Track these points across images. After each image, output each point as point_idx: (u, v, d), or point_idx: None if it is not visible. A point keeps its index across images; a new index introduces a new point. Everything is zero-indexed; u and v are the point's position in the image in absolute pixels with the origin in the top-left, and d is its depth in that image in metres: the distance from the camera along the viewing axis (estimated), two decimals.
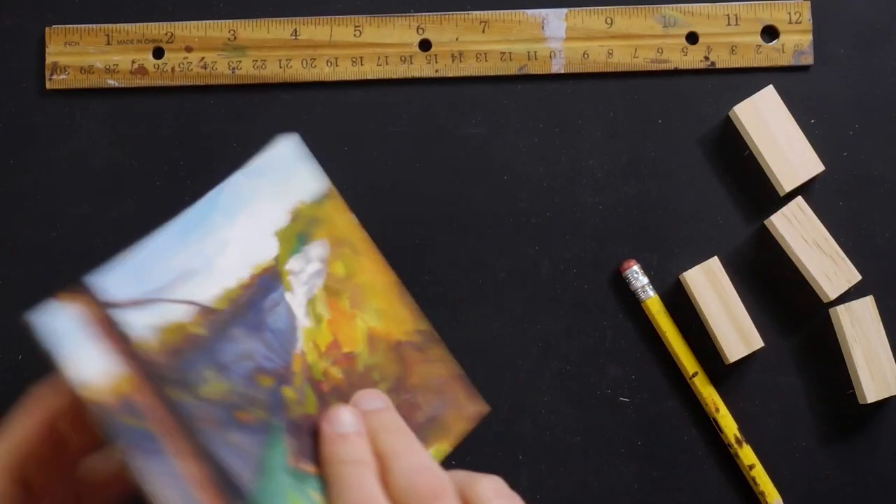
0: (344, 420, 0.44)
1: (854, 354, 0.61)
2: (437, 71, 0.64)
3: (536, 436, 0.63)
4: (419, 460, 0.43)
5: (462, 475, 0.44)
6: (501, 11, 0.64)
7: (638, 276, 0.62)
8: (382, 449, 0.44)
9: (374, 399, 0.46)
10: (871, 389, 0.61)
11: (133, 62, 0.64)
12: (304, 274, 0.47)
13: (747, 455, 0.62)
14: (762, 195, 0.64)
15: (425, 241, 0.63)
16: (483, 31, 0.64)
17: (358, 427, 0.44)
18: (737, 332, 0.61)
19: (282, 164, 0.48)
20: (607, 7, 0.64)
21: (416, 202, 0.64)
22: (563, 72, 0.64)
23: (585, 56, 0.64)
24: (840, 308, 0.61)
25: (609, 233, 0.63)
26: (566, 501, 0.63)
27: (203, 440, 0.42)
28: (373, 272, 0.49)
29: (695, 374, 0.62)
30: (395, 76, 0.64)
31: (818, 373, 0.63)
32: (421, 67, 0.64)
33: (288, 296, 0.46)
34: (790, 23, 0.64)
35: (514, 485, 0.62)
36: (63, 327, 0.43)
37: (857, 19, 0.64)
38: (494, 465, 0.63)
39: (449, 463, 0.47)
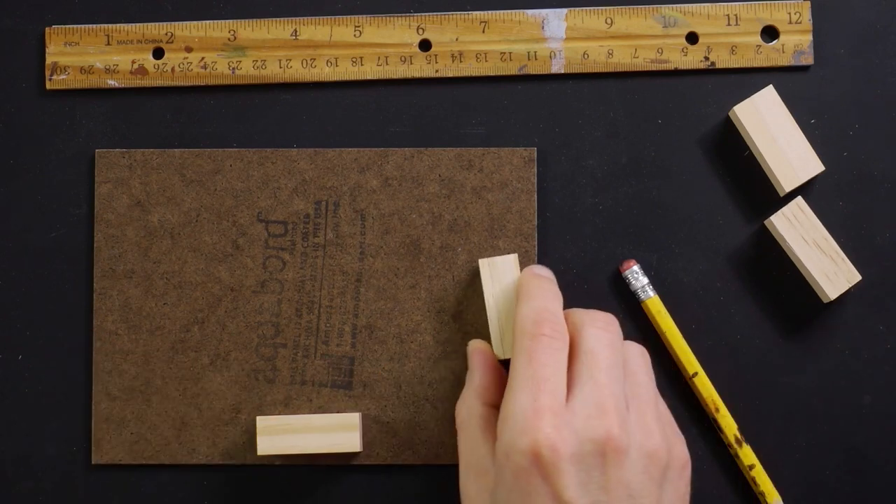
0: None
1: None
2: (437, 71, 0.64)
3: None
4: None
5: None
6: (501, 11, 0.64)
7: (638, 277, 0.62)
8: None
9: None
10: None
11: (133, 62, 0.64)
12: None
13: (747, 455, 0.62)
14: (762, 195, 0.64)
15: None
16: (483, 32, 0.64)
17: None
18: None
19: None
20: (607, 7, 0.64)
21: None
22: (562, 72, 0.64)
23: (585, 56, 0.64)
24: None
25: (609, 233, 0.63)
26: None
27: None
28: None
29: (695, 374, 0.62)
30: (395, 76, 0.64)
31: (818, 373, 0.63)
32: (421, 67, 0.64)
33: None
34: (790, 23, 0.64)
35: None
36: None
37: (856, 19, 0.64)
38: None
39: None
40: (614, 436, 0.51)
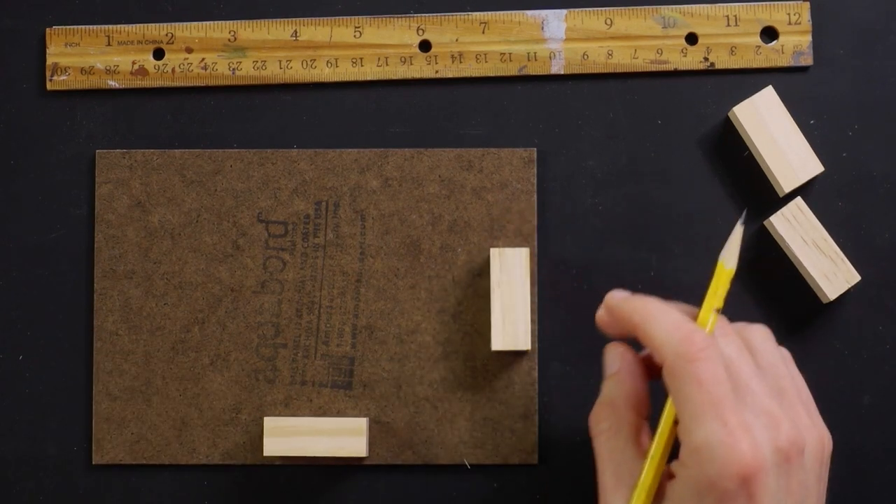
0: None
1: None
2: (437, 72, 0.64)
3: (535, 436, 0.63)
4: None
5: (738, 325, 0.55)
6: (501, 12, 0.64)
7: None
8: None
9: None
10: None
11: (133, 63, 0.64)
12: None
13: None
14: (762, 196, 0.64)
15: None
16: (483, 32, 0.64)
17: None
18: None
19: None
20: (607, 8, 0.64)
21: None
22: (562, 72, 0.64)
23: (585, 57, 0.64)
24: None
25: (609, 233, 0.64)
26: (568, 500, 0.63)
27: None
28: None
29: None
30: (395, 77, 0.64)
31: (818, 373, 0.63)
32: (421, 68, 0.64)
33: None
34: (789, 24, 0.64)
35: (527, 481, 0.63)
36: None
37: (856, 20, 0.64)
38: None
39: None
40: (793, 439, 0.51)
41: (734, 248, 0.54)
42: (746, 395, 0.51)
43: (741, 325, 0.56)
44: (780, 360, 0.55)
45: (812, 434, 0.53)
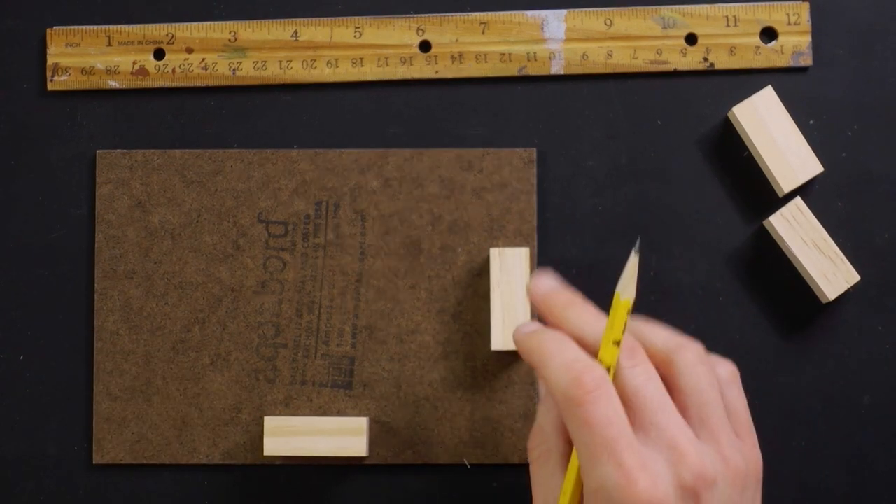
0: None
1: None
2: (437, 72, 0.64)
3: None
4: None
5: (667, 337, 0.53)
6: (501, 13, 0.64)
7: None
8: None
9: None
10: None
11: (134, 63, 0.64)
12: None
13: None
14: (761, 196, 0.64)
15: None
16: (483, 33, 0.64)
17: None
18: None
19: None
20: (607, 8, 0.64)
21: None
22: (562, 73, 0.64)
23: (585, 57, 0.64)
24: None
25: (609, 233, 0.64)
26: None
27: None
28: None
29: None
30: (395, 77, 0.64)
31: (817, 373, 0.63)
32: (421, 69, 0.64)
33: None
34: (789, 24, 0.64)
35: (527, 481, 0.63)
36: None
37: (855, 20, 0.64)
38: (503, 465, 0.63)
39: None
40: (699, 472, 0.49)
41: (630, 278, 0.51)
42: (650, 430, 0.50)
43: (674, 346, 0.53)
44: (707, 384, 0.52)
45: (732, 463, 0.51)
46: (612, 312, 0.51)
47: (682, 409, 0.52)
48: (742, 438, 0.53)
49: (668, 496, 0.48)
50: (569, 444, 0.52)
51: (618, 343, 0.51)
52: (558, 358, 0.51)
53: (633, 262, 0.51)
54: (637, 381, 0.51)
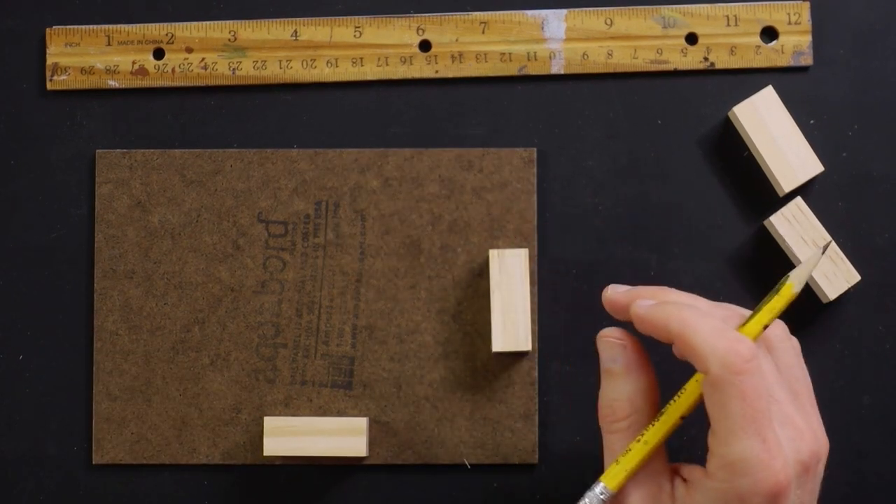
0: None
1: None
2: (437, 72, 0.64)
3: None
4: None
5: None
6: (501, 12, 0.64)
7: None
8: None
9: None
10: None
11: (133, 63, 0.64)
12: None
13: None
14: (761, 196, 0.64)
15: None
16: (483, 32, 0.64)
17: None
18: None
19: None
20: (607, 8, 0.64)
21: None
22: (562, 72, 0.64)
23: (585, 57, 0.64)
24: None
25: (609, 233, 0.64)
26: (568, 500, 0.63)
27: None
28: None
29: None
30: (395, 77, 0.64)
31: (818, 373, 0.63)
32: (421, 68, 0.64)
33: None
34: (789, 24, 0.64)
35: (527, 481, 0.63)
36: None
37: (856, 20, 0.64)
38: (505, 466, 0.63)
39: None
40: (814, 451, 0.51)
41: (807, 272, 0.53)
42: (773, 405, 0.51)
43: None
44: (796, 359, 0.54)
45: (823, 440, 0.53)
46: (776, 298, 0.52)
47: None
48: (818, 415, 0.54)
49: (792, 474, 0.50)
50: (655, 411, 0.54)
51: (766, 326, 0.52)
52: (707, 325, 0.51)
53: (816, 259, 0.53)
54: (790, 358, 0.53)
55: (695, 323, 0.51)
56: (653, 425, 0.52)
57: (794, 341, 0.55)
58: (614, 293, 0.56)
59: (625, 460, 0.52)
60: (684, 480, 0.52)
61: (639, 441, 0.52)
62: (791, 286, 0.52)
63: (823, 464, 0.53)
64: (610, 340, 0.54)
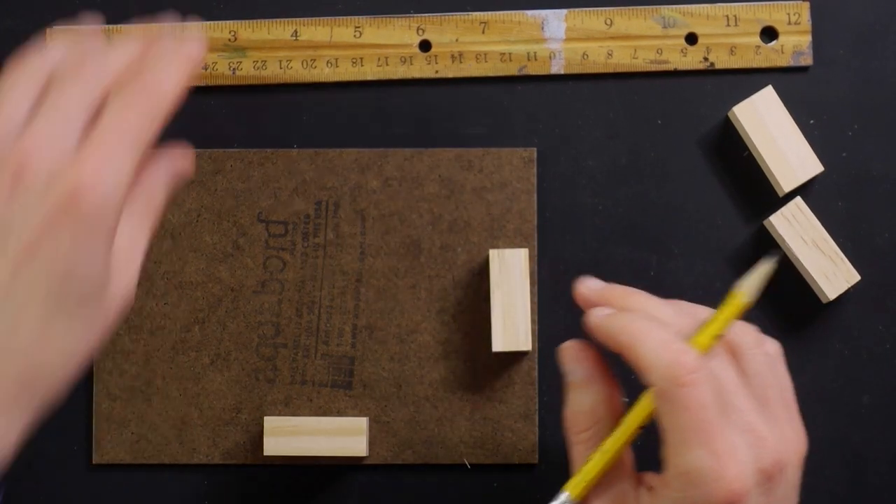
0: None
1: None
2: (436, 72, 0.64)
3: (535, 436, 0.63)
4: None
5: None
6: (501, 12, 0.64)
7: None
8: None
9: None
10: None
11: None
12: None
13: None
14: (761, 195, 0.64)
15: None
16: (483, 32, 0.64)
17: None
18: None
19: None
20: (607, 8, 0.64)
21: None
22: (562, 72, 0.64)
23: (585, 57, 0.64)
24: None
25: (609, 233, 0.64)
26: None
27: None
28: None
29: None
30: (395, 77, 0.64)
31: (818, 373, 0.63)
32: (421, 68, 0.64)
33: None
34: (789, 24, 0.64)
35: (527, 481, 0.63)
36: None
37: (856, 20, 0.64)
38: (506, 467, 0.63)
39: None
40: (776, 459, 0.50)
41: (757, 281, 0.52)
42: (731, 413, 0.50)
43: (733, 328, 0.54)
44: (766, 365, 0.53)
45: (793, 447, 0.52)
46: (725, 308, 0.52)
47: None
48: (791, 420, 0.53)
49: (750, 482, 0.49)
50: (617, 421, 0.53)
51: (719, 337, 0.51)
52: (654, 337, 0.50)
53: (766, 268, 0.52)
54: (716, 364, 0.51)
55: (642, 335, 0.51)
56: (612, 435, 0.52)
57: (770, 346, 0.54)
58: (586, 289, 0.55)
59: (586, 469, 0.52)
60: (649, 489, 0.52)
61: (598, 451, 0.52)
62: (741, 295, 0.52)
63: (796, 467, 0.52)
64: (569, 353, 0.54)
